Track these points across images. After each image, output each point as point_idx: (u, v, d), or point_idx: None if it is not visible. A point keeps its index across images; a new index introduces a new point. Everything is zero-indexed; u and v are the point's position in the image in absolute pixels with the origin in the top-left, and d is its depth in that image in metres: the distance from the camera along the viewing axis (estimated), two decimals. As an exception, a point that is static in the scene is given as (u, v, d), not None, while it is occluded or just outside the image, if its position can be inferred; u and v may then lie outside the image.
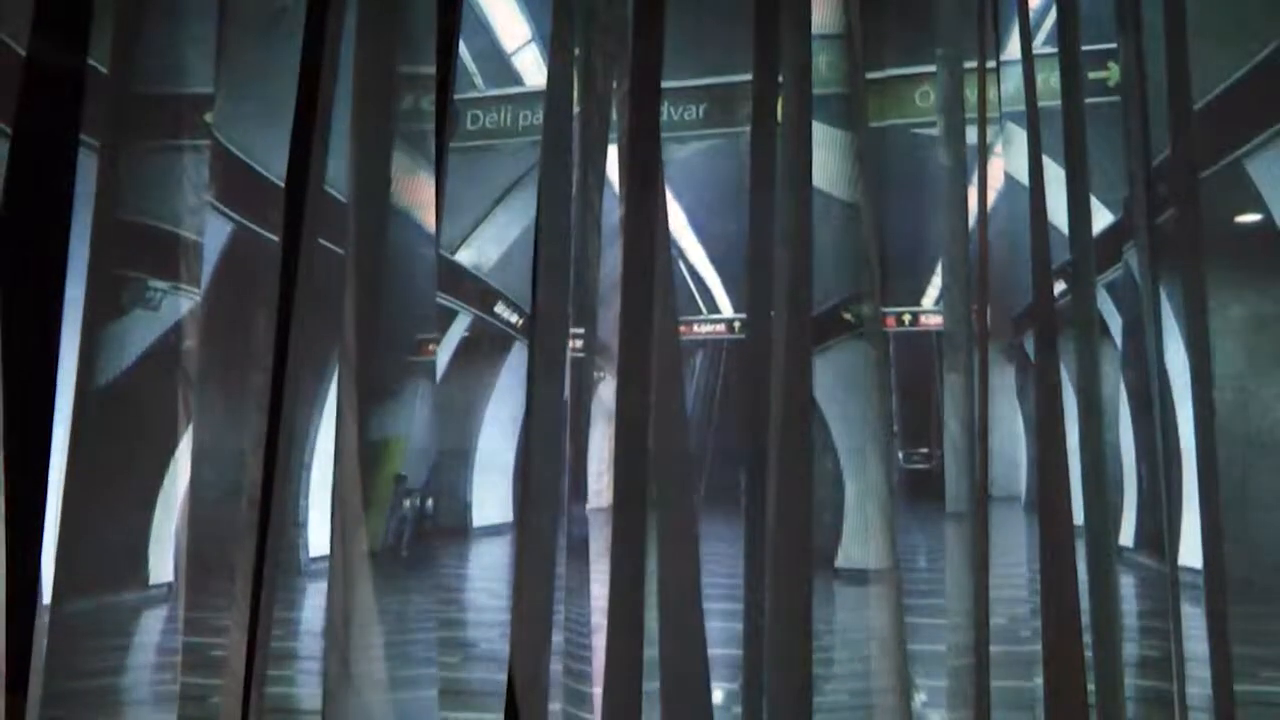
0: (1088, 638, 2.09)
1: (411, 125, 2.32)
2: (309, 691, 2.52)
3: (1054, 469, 2.11)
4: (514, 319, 12.56)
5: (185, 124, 2.42)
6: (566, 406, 2.31)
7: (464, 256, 11.66)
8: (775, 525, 2.13)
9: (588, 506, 2.34)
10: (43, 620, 2.06)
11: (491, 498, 11.86)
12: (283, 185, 2.23)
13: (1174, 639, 2.12)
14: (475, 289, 12.03)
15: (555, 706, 2.24)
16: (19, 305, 2.12)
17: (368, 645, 2.12)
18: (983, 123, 2.50)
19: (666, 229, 2.32)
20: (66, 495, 2.12)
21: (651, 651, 2.16)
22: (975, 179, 2.50)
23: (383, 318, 2.25)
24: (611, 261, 2.28)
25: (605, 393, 2.34)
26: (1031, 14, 2.48)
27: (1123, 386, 2.41)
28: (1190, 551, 2.21)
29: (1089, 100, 2.37)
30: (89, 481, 2.17)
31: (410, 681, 2.22)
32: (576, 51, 2.36)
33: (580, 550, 2.35)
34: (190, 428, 2.35)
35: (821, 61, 2.36)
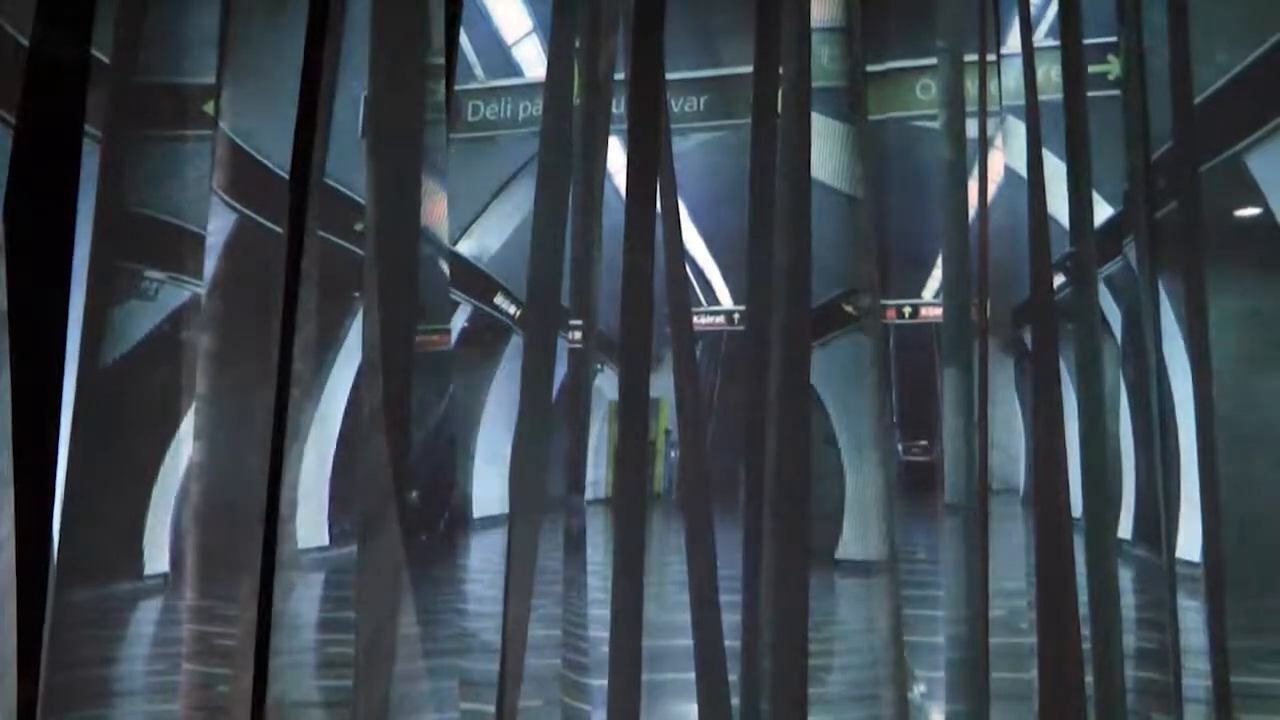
0: (1085, 629, 2.10)
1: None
2: (296, 684, 2.53)
3: (1052, 461, 2.12)
4: (513, 310, 12.57)
5: (189, 114, 2.42)
6: (558, 396, 2.31)
7: (464, 248, 11.66)
8: (773, 517, 2.14)
9: (587, 498, 2.35)
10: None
11: (490, 489, 11.88)
12: (285, 175, 2.24)
13: (1171, 631, 2.12)
14: (475, 280, 12.04)
15: (536, 702, 2.25)
16: (25, 297, 2.13)
17: (399, 635, 2.13)
18: (983, 116, 2.51)
19: (677, 220, 2.32)
20: (67, 485, 2.13)
21: (650, 642, 2.16)
22: (976, 172, 2.50)
23: (405, 309, 2.25)
24: (615, 254, 2.29)
25: (605, 385, 2.34)
26: (1033, 7, 2.48)
27: (1122, 380, 2.41)
28: (1188, 544, 2.22)
29: (1089, 94, 2.37)
30: (87, 472, 2.18)
31: (432, 671, 2.23)
32: (577, 43, 2.36)
33: (578, 542, 2.36)
34: (190, 419, 2.35)
35: (822, 54, 2.36)
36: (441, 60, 2.29)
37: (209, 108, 2.35)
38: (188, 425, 2.26)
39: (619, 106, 2.40)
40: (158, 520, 2.62)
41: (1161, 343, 2.29)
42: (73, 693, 2.18)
